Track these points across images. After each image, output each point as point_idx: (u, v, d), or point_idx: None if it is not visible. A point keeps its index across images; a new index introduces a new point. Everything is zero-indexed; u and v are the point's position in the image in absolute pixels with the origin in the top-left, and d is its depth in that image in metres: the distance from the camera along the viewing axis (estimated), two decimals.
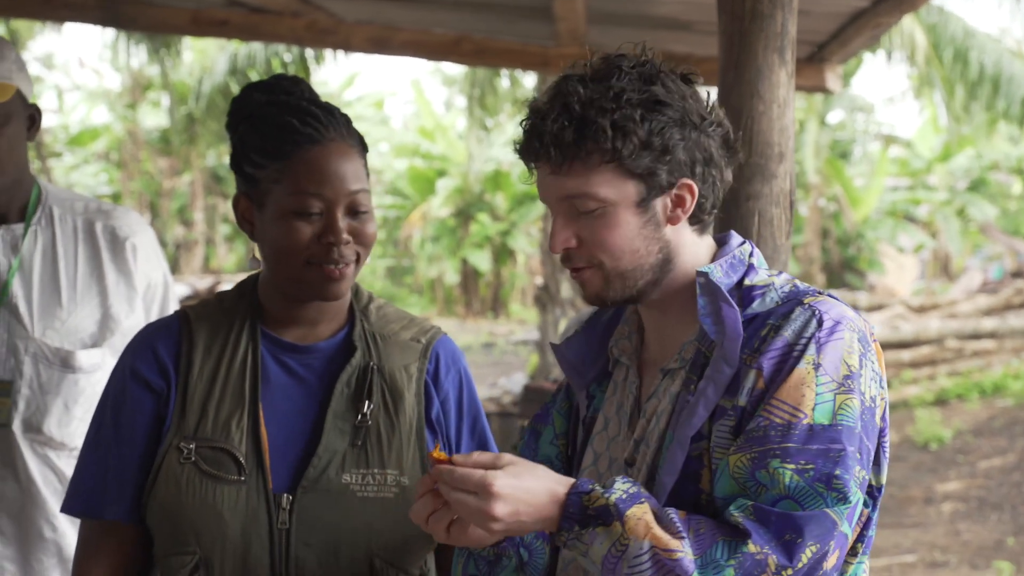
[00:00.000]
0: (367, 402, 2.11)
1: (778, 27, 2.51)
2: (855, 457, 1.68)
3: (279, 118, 2.06)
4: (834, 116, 26.71)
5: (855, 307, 13.12)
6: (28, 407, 2.78)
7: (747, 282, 1.82)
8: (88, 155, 29.75)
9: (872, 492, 1.77)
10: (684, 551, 1.61)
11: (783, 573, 1.61)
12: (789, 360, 1.70)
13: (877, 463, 1.77)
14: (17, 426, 2.78)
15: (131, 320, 2.85)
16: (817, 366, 1.69)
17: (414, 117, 32.60)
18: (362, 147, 2.13)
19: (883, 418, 1.76)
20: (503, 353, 22.17)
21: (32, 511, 2.81)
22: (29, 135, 2.80)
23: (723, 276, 1.80)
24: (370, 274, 29.95)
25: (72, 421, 2.80)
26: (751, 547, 1.61)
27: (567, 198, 1.78)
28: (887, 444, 1.79)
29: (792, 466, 1.64)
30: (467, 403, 2.23)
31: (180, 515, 2.04)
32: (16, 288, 2.79)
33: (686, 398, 1.77)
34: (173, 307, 2.98)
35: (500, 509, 1.63)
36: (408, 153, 29.01)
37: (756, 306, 1.78)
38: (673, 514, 1.65)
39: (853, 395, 1.69)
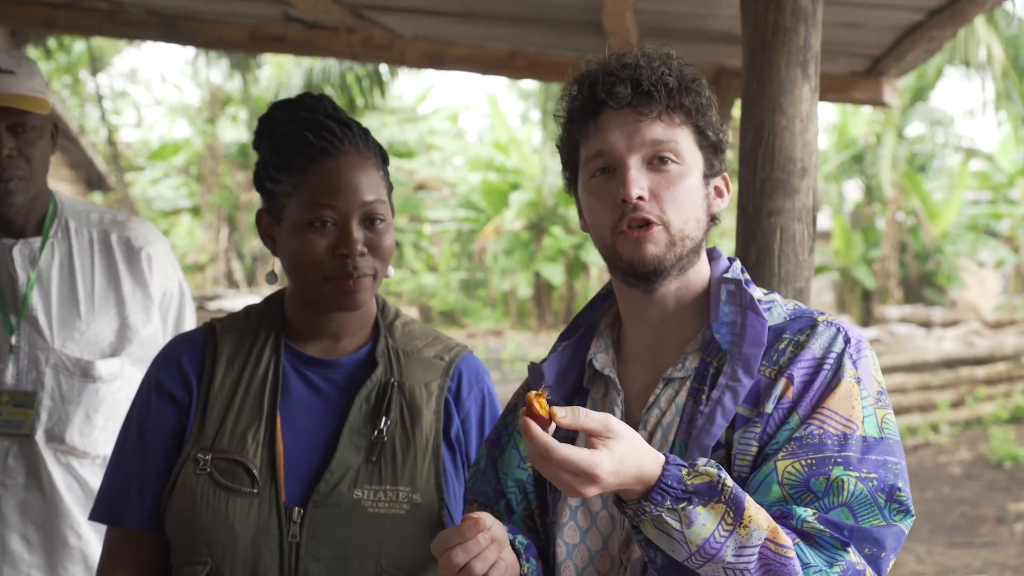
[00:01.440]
0: (384, 418, 2.12)
1: (801, 41, 2.49)
2: (906, 470, 1.71)
3: (294, 134, 2.09)
4: (912, 129, 26.32)
5: (929, 324, 12.91)
6: (51, 418, 2.83)
7: (751, 295, 1.82)
8: (168, 169, 30.20)
9: None
10: (794, 555, 1.59)
11: None
12: (821, 372, 1.71)
13: None
14: (40, 436, 2.84)
15: (148, 329, 2.90)
16: (859, 380, 1.71)
17: (489, 130, 32.68)
18: (381, 159, 2.15)
19: None
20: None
21: (57, 520, 2.86)
22: (52, 148, 2.87)
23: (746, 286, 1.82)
24: (444, 287, 30.06)
25: (94, 430, 2.85)
26: (852, 555, 1.62)
27: (654, 144, 1.77)
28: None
29: (855, 474, 1.65)
30: (489, 422, 2.23)
31: (194, 525, 2.07)
32: (35, 301, 2.85)
33: (698, 409, 1.76)
34: (190, 315, 3.02)
35: (592, 492, 1.58)
36: (482, 166, 29.10)
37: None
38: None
39: (889, 410, 1.73)
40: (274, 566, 2.05)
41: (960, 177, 24.60)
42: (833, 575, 1.60)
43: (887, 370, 13.60)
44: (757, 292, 1.84)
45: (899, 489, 1.67)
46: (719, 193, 1.84)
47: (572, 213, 27.42)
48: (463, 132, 33.15)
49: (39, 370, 2.83)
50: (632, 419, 1.86)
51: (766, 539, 1.59)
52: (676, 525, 1.58)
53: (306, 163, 2.07)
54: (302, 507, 2.07)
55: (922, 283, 26.03)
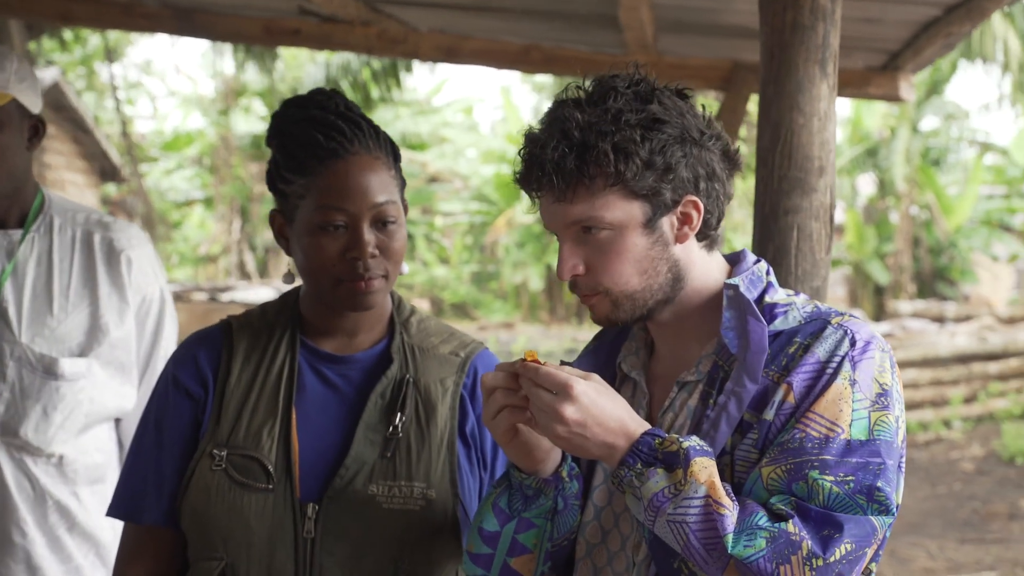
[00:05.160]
0: (399, 414, 2.12)
1: (819, 39, 2.48)
2: (895, 470, 1.69)
3: (305, 134, 2.09)
4: (927, 123, 26.22)
5: (942, 318, 12.85)
6: (7, 410, 2.79)
7: (768, 299, 1.82)
8: (182, 160, 30.23)
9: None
10: (731, 512, 1.63)
11: (814, 561, 1.61)
12: (823, 376, 1.71)
13: None
14: None
15: (120, 332, 2.86)
16: (853, 383, 1.70)
17: (502, 123, 32.64)
18: (393, 158, 2.14)
19: (903, 439, 1.75)
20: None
21: (2, 515, 2.81)
22: (30, 145, 2.81)
23: (745, 291, 1.80)
24: (455, 280, 30.07)
25: (50, 427, 2.80)
26: (789, 526, 1.62)
27: (573, 223, 1.78)
28: (903, 464, 1.77)
29: (831, 478, 1.65)
30: None
31: (209, 521, 2.08)
32: (7, 293, 2.80)
33: (706, 413, 1.77)
34: (170, 324, 2.98)
35: (570, 412, 1.67)
36: (495, 159, 29.05)
37: (779, 323, 1.79)
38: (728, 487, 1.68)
39: (888, 411, 1.71)
40: (289, 562, 2.06)
41: (974, 171, 24.51)
42: (760, 536, 1.62)
43: (899, 365, 13.55)
44: (779, 295, 1.84)
45: (878, 489, 1.66)
46: (686, 219, 1.79)
47: None
48: (476, 125, 33.11)
49: (2, 362, 2.78)
50: (653, 421, 1.88)
51: (706, 494, 1.63)
52: (637, 483, 1.66)
53: (316, 165, 2.07)
54: (317, 503, 2.08)
55: (935, 278, 25.96)
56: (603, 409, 1.69)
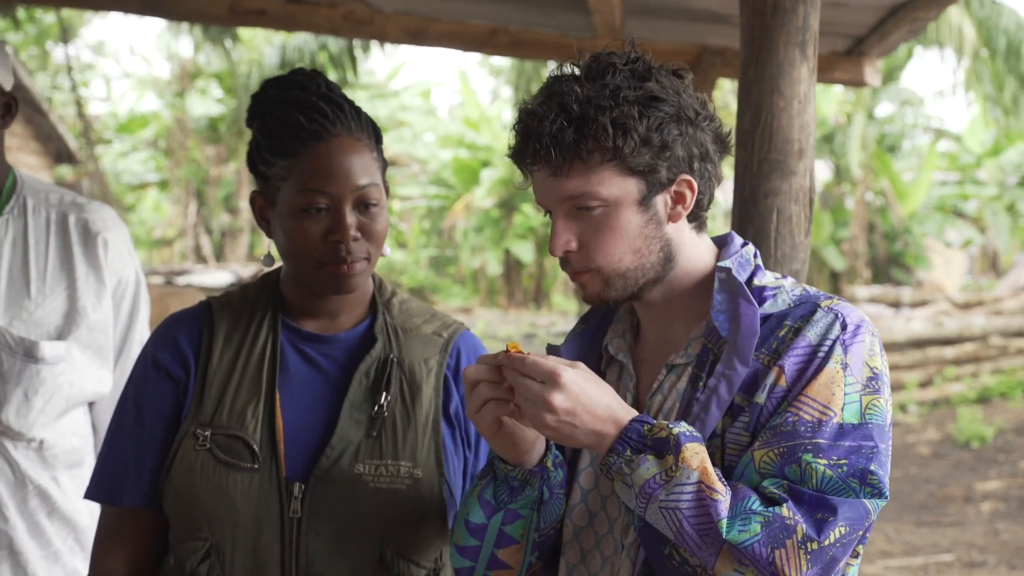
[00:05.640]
0: (384, 394, 2.12)
1: (800, 22, 2.49)
2: (887, 454, 1.70)
3: (286, 116, 2.07)
4: (882, 109, 26.42)
5: (898, 304, 12.93)
6: None
7: (756, 282, 1.82)
8: (137, 142, 29.98)
9: None
10: (724, 497, 1.63)
11: (808, 544, 1.62)
12: (815, 360, 1.71)
13: None
14: None
15: (98, 314, 2.82)
16: (845, 366, 1.70)
17: (460, 107, 32.61)
18: (375, 139, 2.13)
19: (891, 421, 1.77)
20: (544, 344, 22.12)
21: None
22: (3, 123, 2.75)
23: (736, 275, 1.80)
24: (413, 264, 30.03)
25: (31, 411, 2.75)
26: (784, 511, 1.62)
27: (568, 199, 1.77)
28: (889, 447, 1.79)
29: (824, 461, 1.66)
30: None
31: (193, 502, 2.07)
32: None
33: (696, 396, 1.77)
34: (144, 307, 2.94)
35: (559, 400, 1.65)
36: (453, 143, 29.02)
37: (768, 306, 1.79)
38: (719, 472, 1.67)
39: (879, 395, 1.72)
40: (275, 542, 2.05)
41: (928, 158, 24.74)
42: (755, 521, 1.62)
43: None
44: (767, 277, 1.84)
45: (871, 472, 1.67)
46: (679, 199, 1.80)
47: None
48: (434, 109, 33.05)
49: None
50: (640, 403, 1.87)
51: (698, 480, 1.63)
52: (627, 471, 1.66)
53: (298, 147, 2.05)
54: (303, 483, 2.07)
55: (890, 263, 26.21)
56: (591, 396, 1.68)
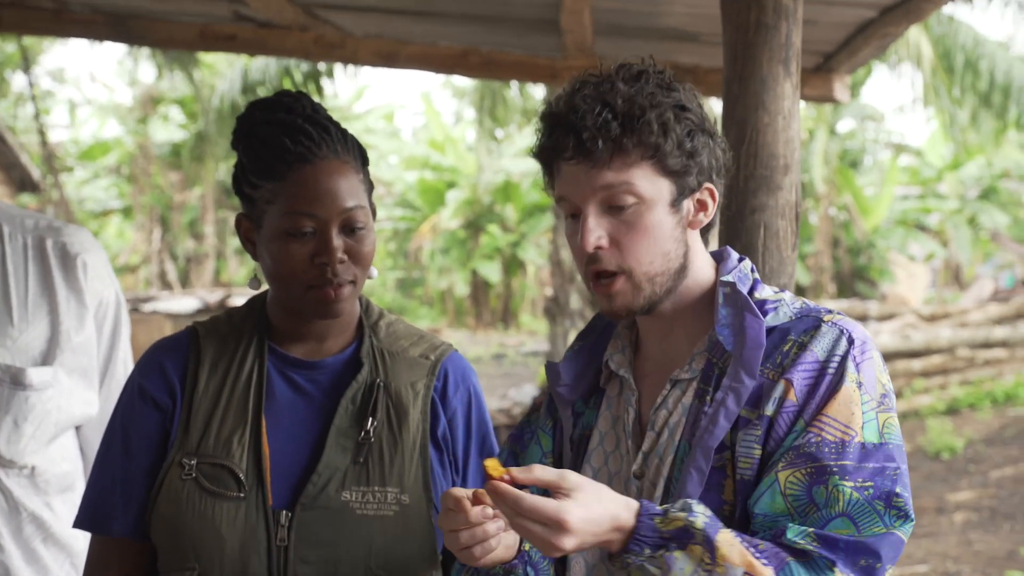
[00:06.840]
0: (371, 419, 2.10)
1: (783, 39, 2.51)
2: (907, 474, 1.70)
3: (272, 138, 2.06)
4: (844, 125, 26.64)
5: (865, 317, 12.99)
6: None
7: (757, 295, 1.83)
8: (99, 169, 29.80)
9: None
10: None
11: None
12: (825, 376, 1.71)
13: None
14: None
15: (81, 337, 2.78)
16: (860, 384, 1.71)
17: (424, 129, 32.62)
18: (361, 162, 2.13)
19: None
20: (513, 364, 22.15)
21: None
22: None
23: (739, 288, 1.81)
24: (380, 286, 29.95)
25: (22, 439, 2.72)
26: (838, 574, 1.61)
27: (606, 189, 1.76)
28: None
29: (851, 484, 1.65)
30: (476, 421, 2.21)
31: (180, 531, 2.05)
32: None
33: (702, 409, 1.77)
34: (125, 327, 2.91)
35: (569, 543, 1.60)
36: (418, 165, 29.03)
37: (770, 319, 1.79)
38: (746, 539, 1.64)
39: (892, 413, 1.73)
40: (263, 570, 2.03)
41: (890, 172, 24.98)
42: None
43: None
44: (766, 291, 1.84)
45: (897, 495, 1.66)
46: (702, 207, 1.82)
47: (508, 211, 27.49)
48: (398, 131, 33.10)
49: None
50: (643, 418, 1.87)
51: (745, 573, 1.60)
52: (657, 572, 1.62)
53: (284, 169, 2.03)
54: (290, 510, 2.05)
55: (854, 277, 26.39)
56: (596, 521, 1.61)
